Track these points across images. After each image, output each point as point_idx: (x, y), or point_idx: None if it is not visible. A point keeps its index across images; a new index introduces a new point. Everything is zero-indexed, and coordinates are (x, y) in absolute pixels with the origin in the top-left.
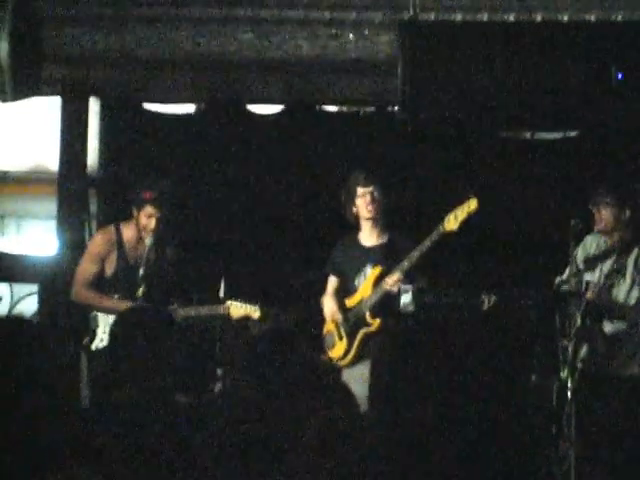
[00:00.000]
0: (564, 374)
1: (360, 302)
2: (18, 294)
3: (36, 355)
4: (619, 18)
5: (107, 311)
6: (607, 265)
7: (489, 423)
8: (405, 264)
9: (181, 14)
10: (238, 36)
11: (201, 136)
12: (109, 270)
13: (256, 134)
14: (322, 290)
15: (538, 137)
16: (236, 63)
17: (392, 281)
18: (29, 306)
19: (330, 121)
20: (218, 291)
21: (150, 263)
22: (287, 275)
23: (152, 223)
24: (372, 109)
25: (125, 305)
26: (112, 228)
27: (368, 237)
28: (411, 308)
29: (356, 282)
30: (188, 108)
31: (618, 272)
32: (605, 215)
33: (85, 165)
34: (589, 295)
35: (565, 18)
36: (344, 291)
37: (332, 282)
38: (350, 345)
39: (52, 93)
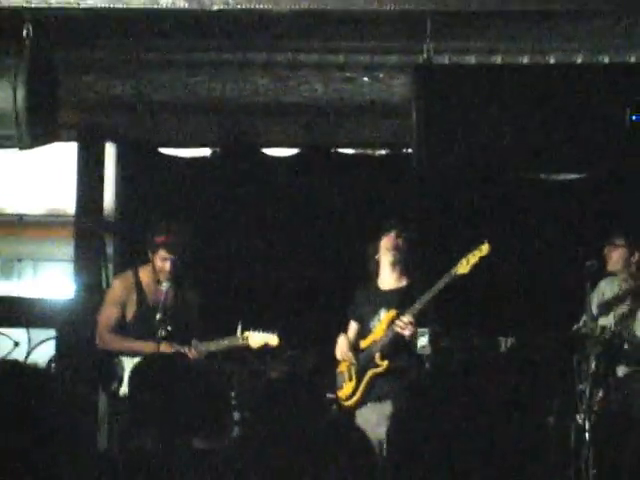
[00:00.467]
0: (581, 416)
1: (372, 344)
2: (36, 339)
3: (51, 401)
4: (632, 59)
5: (132, 354)
6: (621, 309)
7: (507, 466)
8: (416, 307)
9: (196, 59)
10: (253, 80)
11: (217, 179)
12: (130, 314)
13: (271, 177)
14: (341, 332)
15: (553, 179)
16: (251, 107)
17: (403, 323)
18: (47, 351)
19: (345, 164)
20: (235, 331)
21: (168, 305)
22: (305, 317)
23: (167, 266)
24: (387, 151)
25: (149, 346)
26: (130, 272)
27: (387, 281)
28: (428, 351)
29: (371, 325)
30: (204, 152)
31: (631, 315)
32: (615, 257)
33: (101, 208)
34: (603, 339)
35: (579, 60)
36: (361, 334)
37: (352, 327)
38: (357, 385)
39: (69, 139)
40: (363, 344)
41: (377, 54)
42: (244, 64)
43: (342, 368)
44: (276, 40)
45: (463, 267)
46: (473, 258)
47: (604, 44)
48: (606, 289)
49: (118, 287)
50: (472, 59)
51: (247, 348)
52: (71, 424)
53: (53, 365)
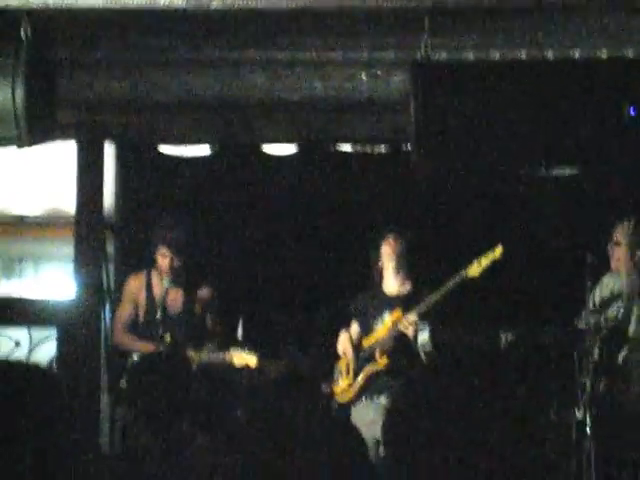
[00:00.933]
0: (582, 411)
1: (374, 342)
2: (37, 338)
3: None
4: (631, 54)
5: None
6: (622, 304)
7: (508, 461)
8: (423, 306)
9: (194, 57)
10: (251, 78)
11: (216, 178)
12: (141, 314)
13: (271, 175)
14: (343, 329)
15: (552, 174)
16: (250, 105)
17: (407, 322)
18: (48, 350)
19: (345, 161)
20: (236, 333)
21: (168, 306)
22: (303, 318)
23: (166, 263)
24: (386, 148)
25: (150, 348)
26: (143, 272)
27: (391, 286)
28: (428, 347)
29: (375, 327)
30: (203, 150)
31: (632, 310)
32: (617, 255)
33: (102, 208)
34: (604, 334)
35: (577, 55)
36: (363, 335)
37: (354, 329)
38: (354, 381)
39: (67, 138)
40: (365, 343)
41: (375, 50)
42: (242, 62)
43: (341, 364)
44: (274, 38)
45: (474, 269)
46: (485, 260)
47: (602, 38)
48: (608, 285)
49: (131, 285)
50: (470, 55)
51: (232, 365)
52: (72, 423)
53: (54, 365)
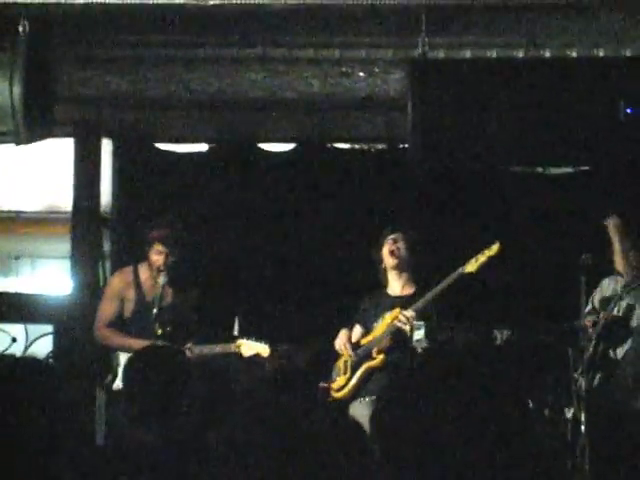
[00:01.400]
0: (577, 408)
1: (372, 340)
2: (33, 334)
3: (49, 396)
4: (627, 53)
5: (128, 350)
6: (622, 304)
7: (502, 458)
8: (420, 303)
9: (193, 55)
10: (249, 76)
11: (213, 174)
12: (128, 310)
13: (268, 172)
14: (342, 327)
15: (549, 172)
16: (248, 102)
17: (404, 318)
18: (44, 346)
19: (342, 158)
20: (232, 329)
21: (164, 302)
22: (301, 314)
23: (161, 259)
24: (384, 146)
25: (145, 344)
26: (129, 268)
27: (394, 287)
28: (424, 344)
29: (374, 326)
30: (201, 147)
31: (632, 309)
32: (612, 252)
33: (98, 205)
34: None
35: (574, 54)
36: (364, 335)
37: (357, 331)
38: (351, 378)
39: (65, 134)
40: (363, 341)
41: (372, 49)
42: (240, 60)
43: (339, 361)
44: (272, 35)
45: (471, 266)
46: (482, 257)
47: (599, 38)
48: (609, 286)
49: (116, 282)
50: (467, 53)
51: (239, 356)
52: (68, 418)
53: (50, 360)
